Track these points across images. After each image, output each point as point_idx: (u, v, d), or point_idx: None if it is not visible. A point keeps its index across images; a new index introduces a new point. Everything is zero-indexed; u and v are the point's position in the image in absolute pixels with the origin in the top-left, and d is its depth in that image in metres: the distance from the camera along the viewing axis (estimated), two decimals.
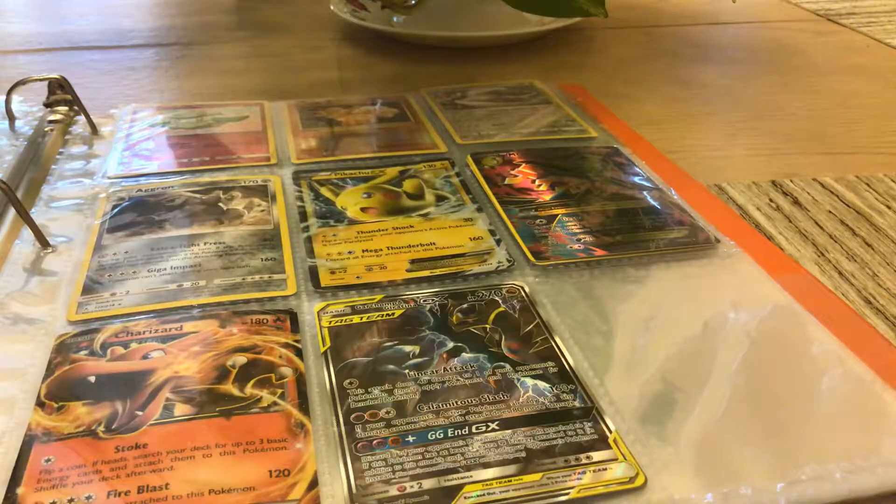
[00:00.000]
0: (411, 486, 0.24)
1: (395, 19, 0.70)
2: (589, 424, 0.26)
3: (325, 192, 0.41)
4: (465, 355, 0.29)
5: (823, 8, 0.82)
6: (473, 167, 0.44)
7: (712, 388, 0.28)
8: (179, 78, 0.61)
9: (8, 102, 0.49)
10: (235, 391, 0.28)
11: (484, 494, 0.24)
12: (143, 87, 0.59)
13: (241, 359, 0.29)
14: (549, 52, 0.67)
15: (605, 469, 0.24)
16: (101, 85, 0.59)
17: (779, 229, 0.40)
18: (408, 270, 0.35)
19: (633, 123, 0.51)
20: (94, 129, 0.49)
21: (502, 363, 0.29)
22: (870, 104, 0.57)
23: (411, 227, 0.38)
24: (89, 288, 0.33)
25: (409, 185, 0.42)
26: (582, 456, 0.25)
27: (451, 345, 0.30)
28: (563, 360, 0.29)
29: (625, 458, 0.25)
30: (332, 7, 0.72)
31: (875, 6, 0.82)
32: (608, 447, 0.25)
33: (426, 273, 0.34)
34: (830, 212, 0.42)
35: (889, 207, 0.42)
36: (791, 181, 0.45)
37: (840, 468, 0.25)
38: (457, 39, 0.67)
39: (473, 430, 0.26)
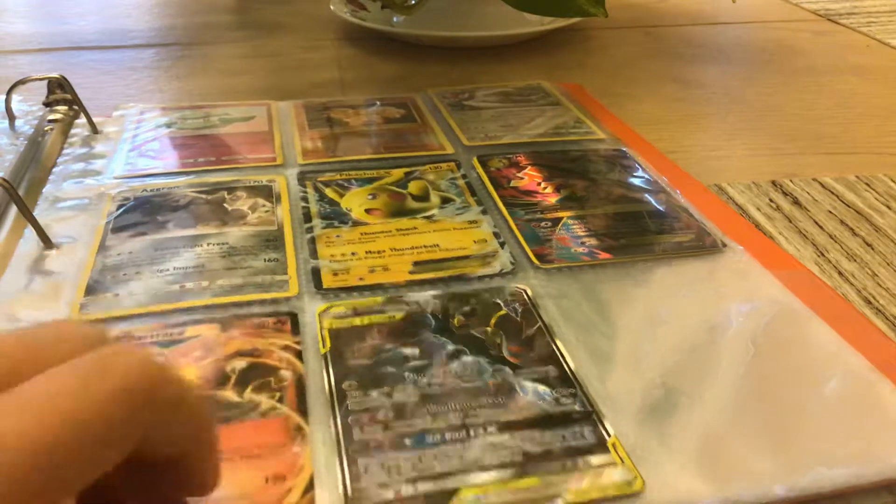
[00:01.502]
0: (407, 490, 0.24)
1: (395, 19, 0.70)
2: (588, 429, 0.26)
3: (329, 192, 0.41)
4: (466, 358, 0.29)
5: (823, 8, 0.82)
6: (479, 169, 0.44)
7: (715, 392, 0.28)
8: (180, 78, 0.61)
9: (8, 102, 0.50)
10: (234, 396, 0.27)
11: (480, 498, 0.24)
12: (143, 87, 0.59)
13: (240, 363, 0.29)
14: (549, 52, 0.67)
15: (603, 474, 0.24)
16: (102, 85, 0.59)
17: (779, 229, 0.40)
18: (410, 272, 0.35)
19: (633, 123, 0.51)
20: (94, 129, 0.49)
21: (502, 367, 0.29)
22: (870, 104, 0.57)
23: (415, 228, 0.38)
24: (92, 289, 0.33)
25: (414, 186, 0.42)
26: (580, 460, 0.25)
27: (451, 348, 0.30)
28: (564, 363, 0.29)
29: (623, 463, 0.25)
30: (332, 7, 0.72)
31: (875, 6, 0.82)
32: (606, 451, 0.25)
33: (429, 275, 0.34)
34: (830, 212, 0.42)
35: (889, 207, 0.42)
36: (791, 181, 0.45)
37: (846, 478, 0.25)
38: (457, 39, 0.67)
39: (471, 433, 0.26)
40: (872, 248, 0.38)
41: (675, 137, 0.51)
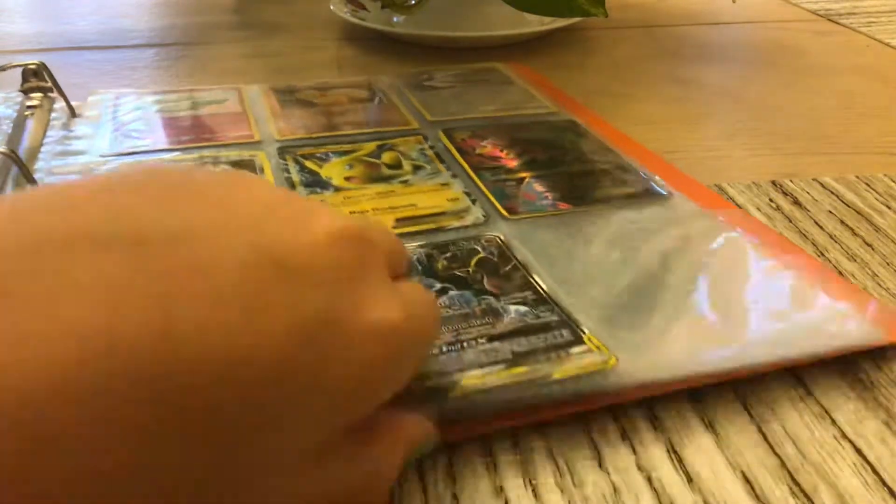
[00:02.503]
0: (413, 385, 0.26)
1: (395, 19, 0.70)
2: (567, 331, 0.30)
3: (309, 164, 0.44)
4: (453, 293, 0.33)
5: (823, 8, 0.82)
6: (446, 140, 0.48)
7: (669, 297, 0.33)
8: (179, 78, 0.61)
9: None
10: None
11: (478, 386, 0.27)
12: (143, 87, 0.59)
13: None
14: (549, 52, 0.67)
15: (583, 358, 0.29)
16: (101, 85, 0.59)
17: (779, 229, 0.40)
18: (394, 227, 0.38)
19: (632, 123, 0.51)
20: (73, 113, 0.51)
21: (486, 296, 0.32)
22: (870, 104, 0.57)
23: (393, 192, 0.42)
24: None
25: (387, 157, 0.46)
26: (562, 352, 0.29)
27: (438, 286, 0.33)
28: (539, 289, 0.33)
29: (599, 350, 0.29)
30: (332, 7, 0.72)
31: (875, 6, 0.82)
32: (583, 343, 0.30)
33: (411, 229, 0.38)
34: (830, 212, 0.42)
35: (889, 207, 0.42)
36: (791, 181, 0.45)
37: (781, 335, 0.30)
38: (457, 39, 0.67)
39: (465, 345, 0.29)
40: (872, 248, 0.38)
41: (675, 137, 0.51)
